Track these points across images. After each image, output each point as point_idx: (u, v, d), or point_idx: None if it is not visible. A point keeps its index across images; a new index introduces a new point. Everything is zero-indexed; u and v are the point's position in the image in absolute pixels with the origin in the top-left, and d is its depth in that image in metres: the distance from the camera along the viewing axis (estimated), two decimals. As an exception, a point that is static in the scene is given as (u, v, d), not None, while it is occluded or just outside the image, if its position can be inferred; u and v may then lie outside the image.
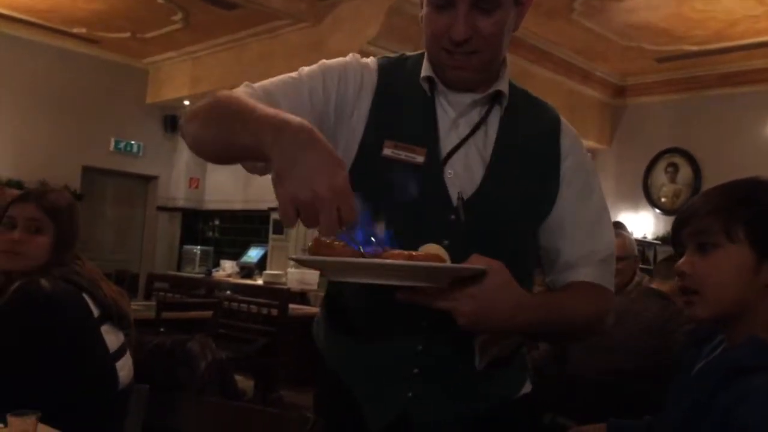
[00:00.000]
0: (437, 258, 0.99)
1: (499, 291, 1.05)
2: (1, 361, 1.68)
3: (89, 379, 1.74)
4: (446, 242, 1.10)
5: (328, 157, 0.88)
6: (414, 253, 0.98)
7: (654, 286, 2.72)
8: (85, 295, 1.77)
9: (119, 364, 1.81)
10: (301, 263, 1.01)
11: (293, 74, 1.23)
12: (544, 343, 2.61)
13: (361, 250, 0.98)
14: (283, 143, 0.89)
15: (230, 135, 0.98)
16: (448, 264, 1.01)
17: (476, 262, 1.03)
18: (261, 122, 0.93)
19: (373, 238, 0.99)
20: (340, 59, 1.28)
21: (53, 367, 1.69)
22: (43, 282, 1.70)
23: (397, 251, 0.98)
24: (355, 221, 0.91)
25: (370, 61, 1.30)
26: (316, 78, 1.23)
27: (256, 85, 1.18)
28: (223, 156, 1.06)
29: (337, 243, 0.98)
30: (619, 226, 2.75)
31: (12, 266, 1.76)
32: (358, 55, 1.30)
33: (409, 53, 1.34)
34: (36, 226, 1.81)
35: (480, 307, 1.03)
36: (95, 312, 1.78)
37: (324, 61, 1.28)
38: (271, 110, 0.96)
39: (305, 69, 1.25)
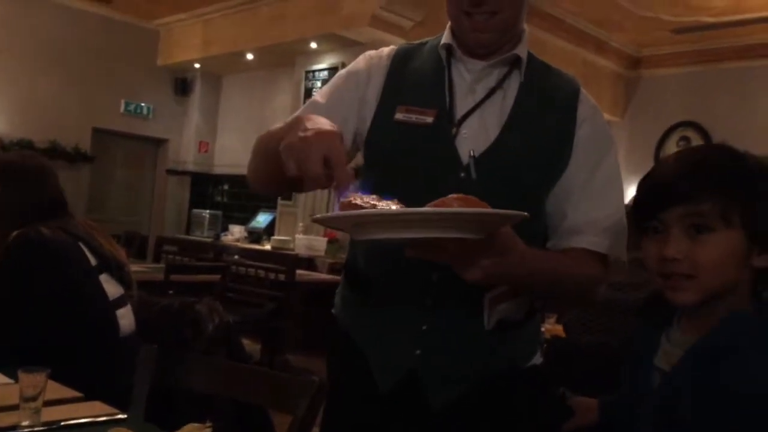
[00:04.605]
0: (470, 202, 0.89)
1: (511, 239, 0.99)
2: (5, 306, 1.72)
3: (90, 324, 1.80)
4: None
5: (318, 118, 1.01)
6: None
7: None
8: (81, 245, 1.85)
9: (120, 312, 1.87)
10: (324, 223, 0.97)
11: (313, 103, 1.32)
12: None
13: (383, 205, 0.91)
14: (290, 121, 1.06)
15: (271, 149, 1.13)
16: (499, 210, 0.89)
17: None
18: (282, 128, 1.11)
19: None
20: (352, 64, 1.37)
21: (55, 311, 1.75)
22: (43, 229, 1.76)
23: None
24: (345, 169, 0.95)
25: (388, 48, 1.38)
26: (332, 95, 1.32)
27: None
28: (272, 173, 1.15)
29: (362, 200, 0.92)
30: None
31: None
32: (370, 52, 1.38)
33: (428, 38, 1.40)
34: None
35: (500, 257, 0.98)
36: (92, 261, 1.85)
37: (337, 74, 1.38)
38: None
39: (324, 89, 1.35)
